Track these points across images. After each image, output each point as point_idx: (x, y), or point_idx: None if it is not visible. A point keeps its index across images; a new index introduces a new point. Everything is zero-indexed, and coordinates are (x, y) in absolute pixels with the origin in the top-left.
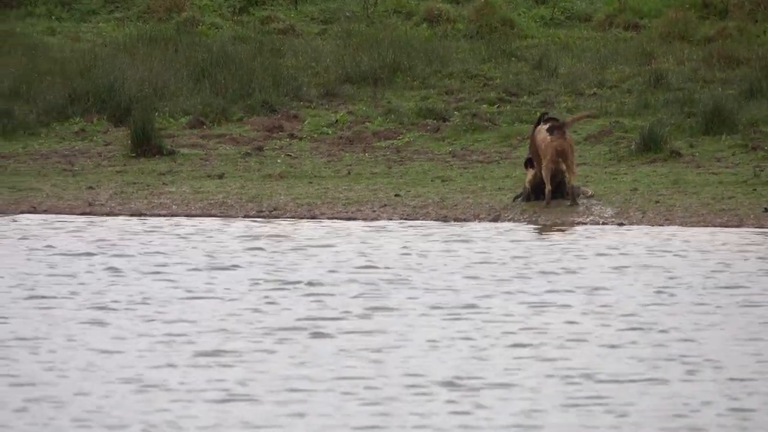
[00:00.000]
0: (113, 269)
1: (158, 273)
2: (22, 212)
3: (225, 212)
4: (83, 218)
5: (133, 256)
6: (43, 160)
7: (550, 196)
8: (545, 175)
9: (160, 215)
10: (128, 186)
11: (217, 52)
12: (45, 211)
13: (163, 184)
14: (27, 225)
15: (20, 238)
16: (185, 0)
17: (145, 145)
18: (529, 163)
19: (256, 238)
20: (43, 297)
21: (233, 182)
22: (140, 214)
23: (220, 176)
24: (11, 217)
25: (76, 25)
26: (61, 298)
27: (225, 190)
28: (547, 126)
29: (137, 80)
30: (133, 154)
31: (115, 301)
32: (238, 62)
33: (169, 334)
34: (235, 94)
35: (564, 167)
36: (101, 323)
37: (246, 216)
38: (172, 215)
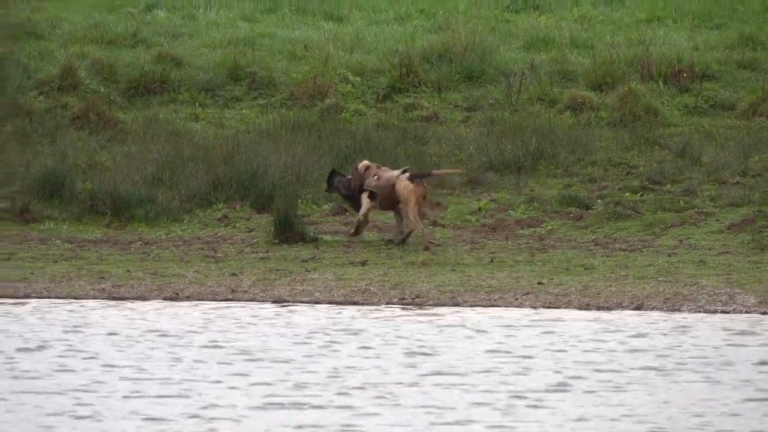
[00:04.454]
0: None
1: None
2: (165, 298)
3: (368, 299)
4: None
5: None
6: (186, 247)
7: (427, 236)
8: (414, 217)
9: (303, 302)
10: (271, 273)
11: (360, 138)
12: (188, 298)
13: (306, 270)
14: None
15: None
16: (329, 87)
17: (288, 231)
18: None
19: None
20: None
21: (376, 269)
22: (283, 301)
23: (363, 263)
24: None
25: (220, 111)
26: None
27: (368, 277)
28: (407, 175)
29: (280, 167)
30: (276, 241)
31: None
32: (382, 149)
33: None
34: None
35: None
36: None
37: (389, 303)
38: (315, 302)
